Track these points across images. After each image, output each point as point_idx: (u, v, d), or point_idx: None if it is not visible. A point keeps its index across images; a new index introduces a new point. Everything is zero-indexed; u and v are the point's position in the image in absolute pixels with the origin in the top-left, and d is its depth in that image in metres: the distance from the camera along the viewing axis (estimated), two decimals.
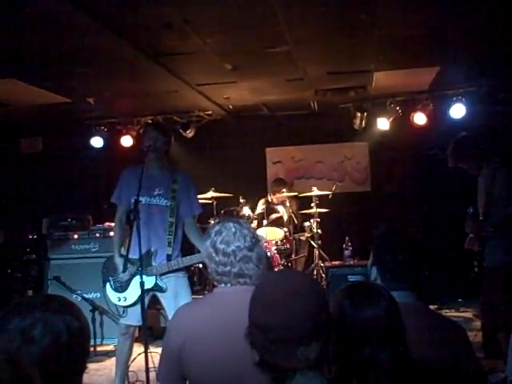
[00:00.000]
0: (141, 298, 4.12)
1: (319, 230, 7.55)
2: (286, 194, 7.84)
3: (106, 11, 4.30)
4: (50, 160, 8.92)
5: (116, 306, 4.62)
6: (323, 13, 4.54)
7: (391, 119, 7.84)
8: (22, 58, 5.35)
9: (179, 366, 2.42)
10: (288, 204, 7.80)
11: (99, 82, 6.34)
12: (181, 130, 8.21)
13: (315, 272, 7.38)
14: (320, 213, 7.61)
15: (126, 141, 8.28)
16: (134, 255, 4.33)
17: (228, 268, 2.48)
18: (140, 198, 4.22)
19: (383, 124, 7.88)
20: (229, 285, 2.51)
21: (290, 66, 5.98)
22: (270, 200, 8.04)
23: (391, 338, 1.74)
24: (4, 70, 5.71)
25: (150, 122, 8.16)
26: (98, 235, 6.83)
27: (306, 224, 7.73)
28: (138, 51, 5.20)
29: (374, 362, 1.70)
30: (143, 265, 4.18)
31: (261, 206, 7.95)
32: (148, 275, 4.34)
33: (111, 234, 6.70)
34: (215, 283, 2.59)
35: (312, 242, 7.69)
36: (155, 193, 4.50)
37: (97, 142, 8.31)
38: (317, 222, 7.56)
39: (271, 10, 4.36)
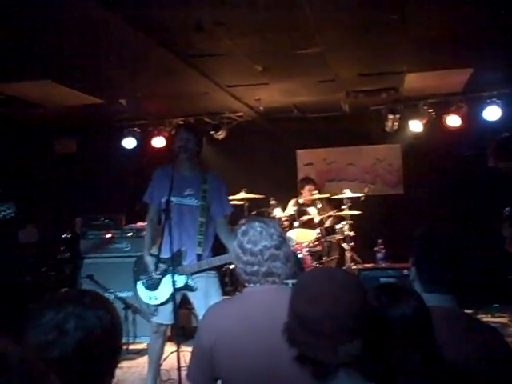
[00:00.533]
0: (172, 297, 4.15)
1: (351, 233, 7.50)
2: (317, 196, 7.81)
3: (138, 13, 4.35)
4: (84, 160, 9.06)
5: (147, 304, 4.66)
6: (354, 14, 4.52)
7: (424, 121, 7.76)
8: (58, 60, 5.45)
9: (210, 366, 2.43)
10: (319, 206, 7.77)
11: (131, 84, 6.42)
12: (212, 132, 8.24)
13: None
14: (352, 215, 7.56)
15: (158, 142, 8.35)
16: (165, 254, 4.36)
17: (256, 267, 2.49)
18: (171, 198, 4.26)
19: (416, 126, 7.80)
20: (258, 284, 2.52)
21: (321, 68, 5.97)
22: (301, 202, 8.01)
23: (420, 340, 1.72)
24: (40, 72, 5.81)
25: (182, 123, 8.22)
26: (130, 235, 6.90)
27: (338, 226, 7.69)
28: (169, 53, 5.25)
29: (404, 364, 1.68)
30: (174, 264, 4.21)
31: (292, 208, 7.93)
32: (179, 274, 4.37)
33: (143, 233, 6.77)
34: (245, 283, 2.59)
35: (344, 245, 7.65)
36: (186, 193, 4.53)
37: (129, 142, 8.40)
38: (349, 224, 7.52)
39: (302, 12, 4.36)
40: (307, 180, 8.30)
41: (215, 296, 4.42)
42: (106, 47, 5.09)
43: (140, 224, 7.08)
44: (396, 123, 7.95)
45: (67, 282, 8.00)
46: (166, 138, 8.33)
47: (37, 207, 8.56)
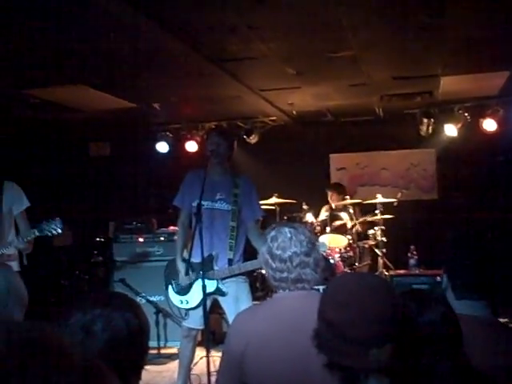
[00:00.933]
0: (203, 302, 4.14)
1: (384, 238, 7.41)
2: (349, 202, 7.73)
3: (171, 17, 4.37)
4: (117, 164, 9.15)
5: (178, 308, 4.66)
6: (388, 16, 4.46)
7: (459, 125, 7.62)
8: (92, 65, 5.51)
9: (239, 371, 2.41)
10: (351, 211, 7.69)
11: (164, 88, 6.45)
12: (244, 136, 8.24)
13: None
14: (384, 220, 7.47)
15: (191, 146, 8.38)
16: (196, 259, 4.36)
17: (285, 274, 2.46)
18: (202, 202, 4.26)
19: (451, 130, 7.67)
20: (287, 290, 2.49)
21: (354, 71, 5.92)
22: (333, 207, 7.95)
23: (448, 348, 1.68)
24: (74, 77, 5.88)
25: (214, 127, 8.24)
26: (162, 239, 6.92)
27: (370, 232, 7.60)
28: (202, 57, 5.26)
29: (433, 372, 1.64)
30: (205, 269, 4.20)
31: (324, 213, 7.87)
32: (209, 279, 4.35)
33: (175, 237, 6.79)
34: (274, 289, 2.57)
35: (376, 250, 7.56)
36: (217, 197, 4.52)
37: (162, 147, 8.45)
38: (381, 229, 7.42)
39: (335, 14, 4.32)
40: (332, 186, 8.22)
41: (245, 301, 4.40)
42: (140, 52, 5.11)
43: (172, 228, 7.10)
44: (431, 127, 7.83)
45: (100, 285, 8.08)
46: (199, 143, 8.35)
47: (71, 210, 8.67)
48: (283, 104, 7.53)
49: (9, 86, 6.09)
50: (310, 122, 8.58)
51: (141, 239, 6.96)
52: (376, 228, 7.51)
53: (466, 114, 7.50)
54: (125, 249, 6.96)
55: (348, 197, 7.83)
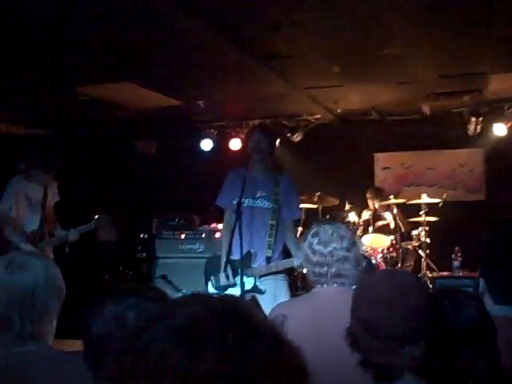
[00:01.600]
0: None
1: (427, 239, 7.28)
2: (392, 202, 7.62)
3: (216, 16, 4.38)
4: (162, 161, 9.24)
5: None
6: (435, 12, 4.37)
7: (509, 125, 7.43)
8: (137, 63, 5.57)
9: None
10: (395, 211, 7.58)
11: (209, 85, 6.48)
12: (288, 134, 8.21)
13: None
14: (429, 221, 7.34)
15: (235, 144, 8.39)
16: (235, 256, 4.37)
17: (325, 269, 2.47)
18: (243, 200, 4.26)
19: (500, 129, 7.48)
20: (325, 285, 2.48)
21: (400, 69, 5.83)
22: (376, 207, 7.84)
23: (486, 344, 1.64)
24: (121, 74, 5.97)
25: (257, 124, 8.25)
26: (203, 236, 6.97)
27: (414, 232, 7.48)
28: (247, 54, 5.26)
29: (470, 370, 1.60)
30: (244, 266, 4.21)
31: (367, 213, 7.78)
32: (248, 276, 4.35)
33: (217, 235, 6.83)
34: (312, 284, 2.57)
35: (420, 252, 7.44)
36: (258, 195, 4.51)
37: (206, 144, 8.49)
38: (425, 230, 7.30)
39: (379, 11, 4.26)
40: (378, 191, 8.08)
41: (284, 299, 4.37)
42: (185, 50, 5.15)
43: (213, 225, 7.15)
44: (479, 126, 7.64)
45: (144, 281, 8.18)
46: (243, 140, 8.36)
47: (117, 207, 8.80)
48: (328, 102, 7.47)
49: (59, 84, 6.21)
50: (354, 121, 8.48)
51: (182, 236, 7.02)
52: (420, 229, 7.39)
53: None
54: (167, 245, 7.03)
55: (392, 196, 7.71)
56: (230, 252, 4.36)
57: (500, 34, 4.84)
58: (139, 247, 8.60)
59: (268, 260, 4.43)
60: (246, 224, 4.32)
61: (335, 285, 2.49)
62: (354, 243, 2.55)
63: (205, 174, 8.77)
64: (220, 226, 7.08)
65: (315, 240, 2.51)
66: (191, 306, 0.90)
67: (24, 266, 2.04)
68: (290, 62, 5.58)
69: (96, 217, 5.56)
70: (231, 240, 4.24)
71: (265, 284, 4.43)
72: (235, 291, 4.43)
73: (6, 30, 4.53)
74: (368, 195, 7.87)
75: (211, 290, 4.66)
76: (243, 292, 4.06)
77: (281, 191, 4.52)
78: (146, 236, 8.75)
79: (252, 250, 4.42)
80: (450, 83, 6.50)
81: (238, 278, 4.28)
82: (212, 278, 4.66)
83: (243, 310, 0.91)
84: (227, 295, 0.98)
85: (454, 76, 6.20)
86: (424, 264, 7.28)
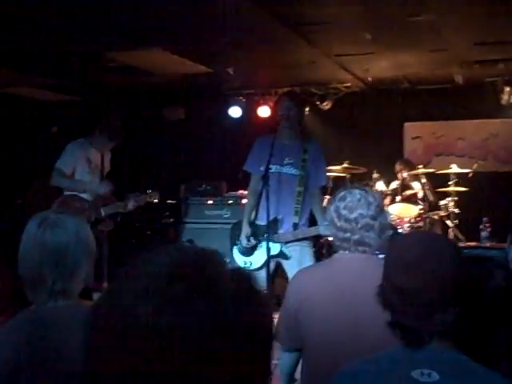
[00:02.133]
0: (266, 264, 4.19)
1: (456, 210, 7.22)
2: (421, 171, 7.55)
3: None
4: (191, 128, 9.26)
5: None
6: None
7: None
8: (166, 28, 5.56)
9: (297, 328, 2.46)
10: (424, 180, 7.52)
11: (239, 52, 6.43)
12: (318, 102, 8.16)
13: None
14: (458, 192, 7.27)
15: (264, 111, 8.36)
16: (261, 222, 4.40)
17: (348, 235, 2.46)
18: (271, 166, 4.28)
19: None
20: (347, 252, 2.49)
21: (434, 36, 5.72)
22: (404, 176, 7.77)
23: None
24: (149, 40, 5.96)
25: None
26: (230, 202, 7.02)
27: (442, 202, 7.42)
28: (277, 21, 5.22)
29: (497, 339, 1.61)
30: (270, 232, 4.24)
31: (395, 182, 7.72)
32: (274, 242, 4.39)
33: (244, 201, 6.86)
34: (336, 249, 2.58)
35: (447, 222, 7.39)
36: (285, 162, 4.52)
37: (235, 111, 8.48)
38: (454, 200, 7.24)
39: None
40: (400, 162, 7.98)
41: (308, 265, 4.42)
42: (216, 16, 5.11)
43: (241, 192, 7.17)
44: None
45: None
46: (272, 108, 8.32)
47: (145, 173, 8.88)
48: (358, 70, 7.38)
49: (88, 48, 6.23)
50: (385, 90, 8.37)
51: (210, 202, 7.07)
52: (448, 199, 7.32)
53: None
54: (194, 211, 7.09)
55: (421, 166, 7.63)
56: (255, 217, 4.40)
57: None
58: (166, 212, 8.69)
59: (295, 226, 4.45)
60: (273, 190, 4.34)
61: (357, 252, 2.48)
62: (381, 211, 2.51)
63: (234, 140, 8.78)
64: (246, 192, 7.13)
65: (342, 204, 2.48)
66: (160, 256, 0.88)
67: (56, 224, 2.09)
68: (321, 29, 5.52)
69: (149, 191, 5.70)
70: (257, 205, 4.27)
71: (291, 250, 4.46)
72: (261, 255, 4.48)
73: None
74: (397, 167, 7.80)
75: (236, 255, 4.71)
76: (269, 257, 4.10)
77: (308, 158, 4.52)
78: (173, 202, 8.84)
79: (279, 216, 4.44)
80: (485, 51, 6.37)
81: (263, 244, 4.32)
82: (237, 242, 4.71)
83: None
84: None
85: (489, 44, 6.06)
86: (451, 234, 7.23)
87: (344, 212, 2.46)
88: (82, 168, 5.51)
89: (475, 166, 7.43)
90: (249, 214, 4.66)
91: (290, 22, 5.32)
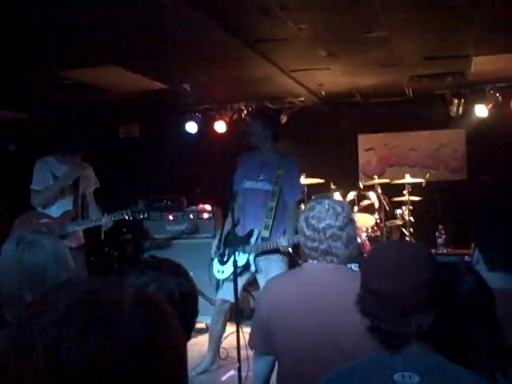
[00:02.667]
0: (233, 275, 4.29)
1: (411, 218, 7.43)
2: (377, 181, 7.75)
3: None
4: (146, 145, 9.26)
5: (216, 278, 4.89)
6: None
7: (490, 106, 7.57)
8: (123, 45, 5.56)
9: (268, 334, 2.53)
10: (380, 191, 7.71)
11: (195, 69, 6.48)
12: None
13: None
14: (412, 201, 7.48)
15: (220, 126, 8.43)
16: (240, 233, 4.64)
17: (316, 244, 2.53)
18: (247, 183, 4.63)
19: (481, 111, 7.61)
20: (315, 261, 2.56)
21: (386, 51, 5.90)
22: (361, 187, 7.96)
23: (487, 315, 1.74)
24: (105, 57, 5.95)
25: (243, 107, 8.31)
26: (191, 217, 7.03)
27: (398, 211, 7.62)
28: (234, 38, 5.28)
29: (473, 341, 1.70)
30: (242, 243, 4.45)
31: (352, 193, 7.89)
32: (244, 253, 4.52)
33: (205, 215, 6.91)
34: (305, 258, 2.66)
35: (403, 230, 7.59)
36: (260, 178, 4.66)
37: (191, 127, 8.52)
38: (409, 209, 7.45)
39: None
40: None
41: None
42: (171, 32, 5.15)
43: (201, 206, 7.21)
44: (461, 108, 7.78)
45: (129, 262, 8.23)
46: (227, 123, 8.41)
47: (101, 190, 8.80)
48: (313, 84, 7.53)
49: (45, 68, 6.18)
50: (338, 103, 8.56)
51: (170, 217, 7.07)
52: (404, 208, 7.53)
53: (498, 95, 7.42)
54: (155, 226, 7.08)
55: (376, 177, 7.84)
56: (233, 228, 4.57)
57: (483, 17, 4.92)
58: (124, 229, 8.64)
59: (263, 240, 4.54)
60: (249, 205, 4.48)
61: (324, 262, 2.54)
62: (349, 222, 2.57)
63: (190, 156, 8.83)
64: (207, 207, 7.17)
65: (311, 214, 2.55)
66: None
67: (34, 244, 2.10)
68: (277, 46, 5.60)
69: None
70: (235, 219, 4.48)
71: (259, 262, 4.58)
72: (231, 266, 4.60)
73: None
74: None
75: (216, 263, 4.94)
76: (235, 268, 4.18)
77: (283, 174, 4.63)
78: (130, 218, 8.78)
79: (256, 229, 4.56)
80: (434, 65, 6.60)
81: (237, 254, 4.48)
82: (218, 252, 4.94)
83: (108, 299, 0.81)
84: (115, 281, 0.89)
85: (439, 58, 6.29)
86: None
87: (313, 221, 2.54)
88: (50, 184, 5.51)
89: (428, 175, 7.67)
90: (226, 227, 4.80)
91: (247, 39, 5.40)
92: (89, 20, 4.78)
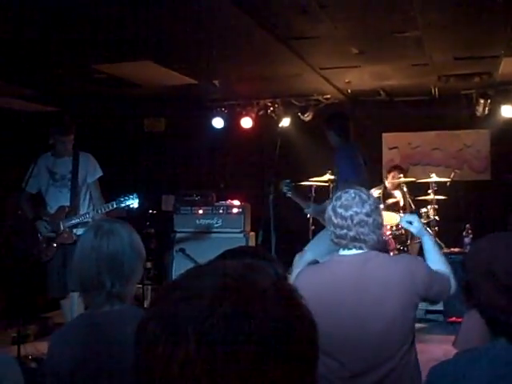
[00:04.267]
0: None
1: (436, 217, 7.49)
2: (403, 180, 7.81)
3: None
4: (172, 139, 9.36)
5: None
6: None
7: None
8: (159, 41, 5.65)
9: None
10: (405, 189, 7.77)
11: (227, 65, 6.57)
12: (299, 114, 8.35)
13: None
14: (437, 200, 7.54)
15: (246, 122, 8.51)
16: None
17: (344, 231, 2.63)
18: None
19: (507, 111, 7.66)
20: (346, 250, 2.66)
21: (417, 51, 5.95)
22: (386, 185, 8.03)
23: None
24: (141, 52, 6.05)
25: (269, 104, 8.40)
26: (221, 211, 7.13)
27: (423, 210, 7.68)
28: (270, 35, 5.36)
29: None
30: None
31: (377, 191, 7.96)
32: None
33: (234, 210, 7.01)
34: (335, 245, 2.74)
35: (428, 229, 7.64)
36: None
37: (218, 122, 8.61)
38: (434, 208, 7.50)
39: None
40: (394, 167, 8.29)
41: None
42: (208, 28, 5.23)
43: (229, 201, 7.32)
44: (487, 108, 7.82)
45: (152, 256, 8.35)
46: (254, 119, 8.49)
47: (126, 184, 8.92)
48: (340, 82, 7.59)
49: (77, 61, 6.28)
50: (363, 101, 8.61)
51: (200, 211, 7.18)
52: (429, 207, 7.58)
53: None
54: (185, 220, 7.20)
55: (402, 175, 7.90)
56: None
57: None
58: (147, 223, 8.75)
59: None
60: None
61: (354, 248, 2.64)
62: (375, 209, 2.67)
63: (216, 151, 8.92)
64: (235, 202, 7.27)
65: (338, 203, 2.66)
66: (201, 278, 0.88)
67: (112, 232, 2.21)
68: (310, 43, 5.67)
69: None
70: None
71: None
72: None
73: (25, 5, 4.56)
74: (392, 174, 8.06)
75: None
76: None
77: None
78: (154, 212, 8.91)
79: None
80: (463, 65, 6.65)
81: None
82: None
83: (251, 290, 0.86)
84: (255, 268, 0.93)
85: (468, 58, 6.34)
86: None
87: (340, 210, 2.65)
88: (46, 182, 5.55)
89: (453, 174, 7.71)
90: None
91: (283, 36, 5.47)
92: (123, 15, 4.87)
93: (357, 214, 2.60)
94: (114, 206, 5.23)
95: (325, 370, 2.54)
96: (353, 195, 2.64)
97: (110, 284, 2.15)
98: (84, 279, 2.20)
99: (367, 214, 2.61)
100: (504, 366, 1.59)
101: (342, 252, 2.71)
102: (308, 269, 3.12)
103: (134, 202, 5.12)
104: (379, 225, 2.67)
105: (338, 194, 2.71)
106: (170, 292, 0.88)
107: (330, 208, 2.70)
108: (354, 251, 2.65)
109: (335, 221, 2.65)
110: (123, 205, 5.23)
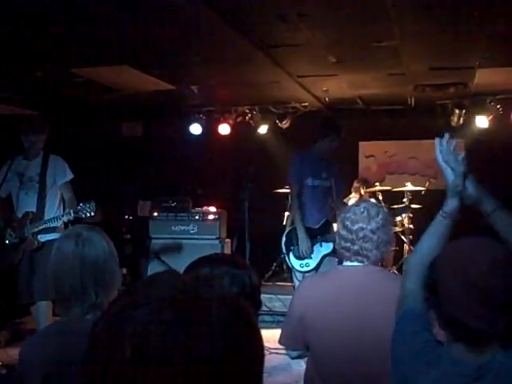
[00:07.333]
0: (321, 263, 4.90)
1: (411, 225, 7.55)
2: (378, 189, 7.87)
3: (222, 3, 4.49)
4: (149, 144, 9.31)
5: (300, 272, 5.23)
6: (436, 7, 4.56)
7: (490, 117, 7.71)
8: (137, 46, 5.64)
9: (301, 333, 2.63)
10: (380, 197, 7.83)
11: (206, 71, 6.56)
12: (277, 121, 8.38)
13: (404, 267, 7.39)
14: (412, 208, 7.60)
15: (224, 129, 8.52)
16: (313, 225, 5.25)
17: (348, 244, 2.66)
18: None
19: (482, 122, 7.76)
20: (348, 262, 2.69)
21: (394, 61, 6.02)
22: (362, 193, 8.09)
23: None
24: (119, 57, 6.02)
25: (247, 111, 8.41)
26: (197, 218, 7.11)
27: (398, 218, 7.74)
28: (249, 42, 5.37)
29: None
30: (322, 233, 5.09)
31: (353, 199, 8.00)
32: (327, 241, 5.10)
33: (210, 217, 6.99)
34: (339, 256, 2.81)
35: (402, 237, 7.70)
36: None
37: (196, 128, 8.60)
38: (409, 216, 7.56)
39: (384, 4, 4.43)
40: (357, 181, 8.35)
41: None
42: (184, 34, 5.22)
43: (205, 208, 7.29)
44: (462, 118, 7.91)
45: (127, 261, 8.28)
46: (231, 126, 8.50)
47: (101, 188, 8.85)
48: (318, 90, 7.64)
49: (56, 64, 6.23)
50: (340, 109, 8.67)
51: (176, 217, 7.15)
52: (404, 215, 7.64)
53: (498, 106, 7.57)
54: (161, 226, 7.16)
55: (377, 184, 7.96)
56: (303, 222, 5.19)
57: (492, 30, 5.06)
58: (123, 228, 8.70)
59: None
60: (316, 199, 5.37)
61: (356, 262, 2.66)
62: (382, 226, 2.66)
63: (194, 157, 8.90)
64: (211, 208, 7.26)
65: (347, 215, 2.69)
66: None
67: (92, 240, 2.19)
68: (288, 51, 5.70)
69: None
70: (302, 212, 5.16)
71: None
72: (316, 256, 5.18)
73: (4, 9, 4.51)
74: (355, 185, 8.10)
75: (293, 259, 5.27)
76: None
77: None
78: (130, 218, 8.86)
79: (328, 219, 5.24)
80: (439, 76, 6.73)
81: (317, 245, 5.09)
82: (292, 248, 5.26)
83: (202, 295, 0.88)
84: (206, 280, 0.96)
85: (444, 69, 6.42)
86: (406, 249, 7.55)
87: (347, 223, 2.68)
88: (14, 184, 5.41)
89: (427, 183, 7.80)
90: (301, 219, 5.30)
91: (262, 44, 5.49)
92: (99, 20, 4.84)
93: (362, 229, 2.63)
94: (72, 215, 5.13)
95: (322, 371, 2.57)
96: (361, 210, 2.68)
97: (95, 295, 2.13)
98: (64, 288, 2.16)
99: (372, 231, 2.63)
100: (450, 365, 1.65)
101: (345, 263, 2.75)
102: (312, 277, 3.14)
103: (91, 212, 4.98)
104: (385, 242, 2.68)
105: (350, 206, 2.79)
106: (123, 296, 0.92)
107: (339, 219, 2.76)
108: (356, 263, 2.67)
109: (342, 232, 2.70)
110: (81, 214, 5.07)
